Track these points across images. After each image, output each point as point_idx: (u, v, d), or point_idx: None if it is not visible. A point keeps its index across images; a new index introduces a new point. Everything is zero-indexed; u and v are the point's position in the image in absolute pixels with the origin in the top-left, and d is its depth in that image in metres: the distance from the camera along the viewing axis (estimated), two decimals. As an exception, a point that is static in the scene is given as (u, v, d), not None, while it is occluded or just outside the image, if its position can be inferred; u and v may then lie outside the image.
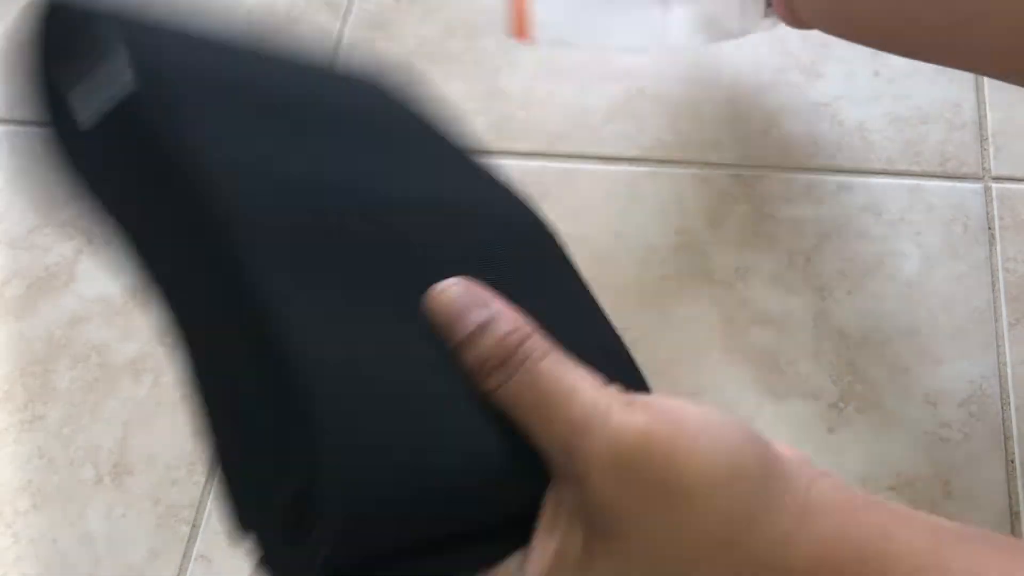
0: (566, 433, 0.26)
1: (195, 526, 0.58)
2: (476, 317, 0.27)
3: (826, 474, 0.29)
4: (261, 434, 0.27)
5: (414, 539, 0.28)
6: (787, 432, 0.58)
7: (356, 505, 0.26)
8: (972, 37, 0.40)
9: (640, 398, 0.27)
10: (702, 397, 0.60)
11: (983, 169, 0.67)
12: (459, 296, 0.27)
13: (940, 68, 0.68)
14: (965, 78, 0.70)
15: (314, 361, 0.26)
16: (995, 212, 0.66)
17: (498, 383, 0.27)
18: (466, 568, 0.29)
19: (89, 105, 0.28)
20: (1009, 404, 0.59)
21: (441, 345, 0.28)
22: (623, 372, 0.32)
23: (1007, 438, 0.58)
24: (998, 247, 0.64)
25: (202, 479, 0.59)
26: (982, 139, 0.69)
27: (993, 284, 0.63)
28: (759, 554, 0.26)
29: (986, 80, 0.71)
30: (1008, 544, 0.28)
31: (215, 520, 0.58)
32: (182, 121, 0.28)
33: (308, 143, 0.31)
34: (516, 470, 0.28)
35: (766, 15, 0.58)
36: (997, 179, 0.67)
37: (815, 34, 0.58)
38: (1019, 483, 0.56)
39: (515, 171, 0.40)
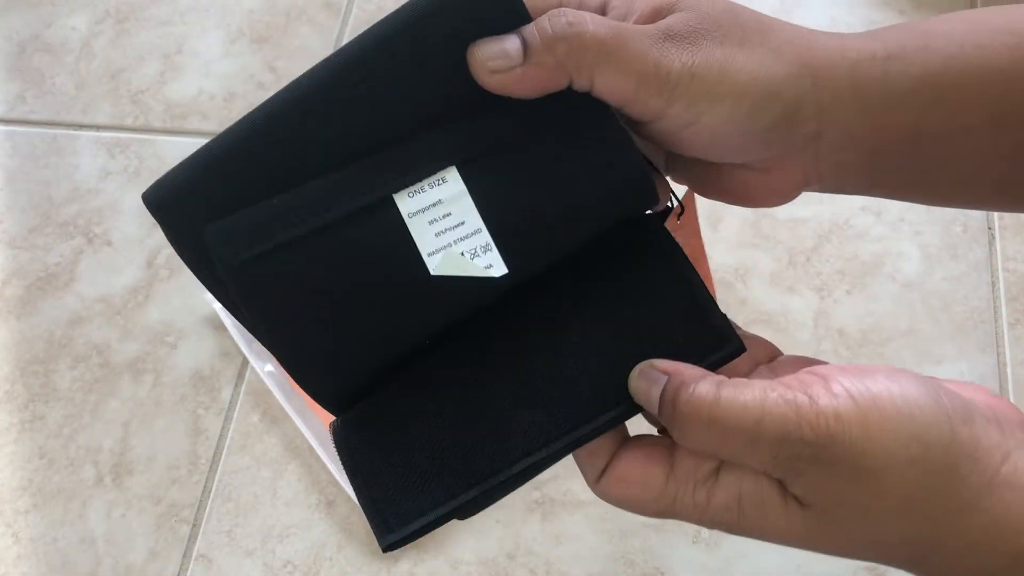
0: (750, 447, 0.29)
1: (195, 526, 0.58)
2: (653, 394, 0.31)
3: None
4: None
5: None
6: (787, 432, 0.58)
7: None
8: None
9: (828, 383, 0.30)
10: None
11: (983, 169, 0.67)
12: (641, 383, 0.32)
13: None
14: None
15: None
16: (994, 212, 0.66)
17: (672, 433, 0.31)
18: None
19: None
20: (1009, 404, 0.59)
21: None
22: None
23: (1007, 438, 0.58)
24: (998, 247, 0.64)
25: (202, 479, 0.59)
26: (982, 139, 0.69)
27: (993, 284, 0.63)
28: (938, 521, 0.29)
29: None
30: None
31: (215, 520, 0.58)
32: None
33: None
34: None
35: None
36: (997, 179, 0.67)
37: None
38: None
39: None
